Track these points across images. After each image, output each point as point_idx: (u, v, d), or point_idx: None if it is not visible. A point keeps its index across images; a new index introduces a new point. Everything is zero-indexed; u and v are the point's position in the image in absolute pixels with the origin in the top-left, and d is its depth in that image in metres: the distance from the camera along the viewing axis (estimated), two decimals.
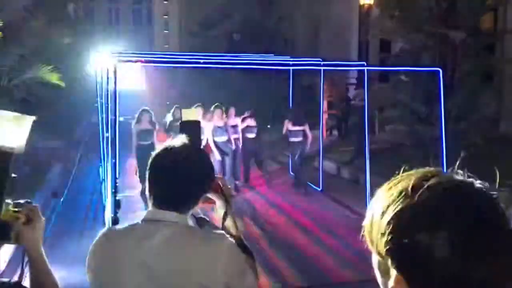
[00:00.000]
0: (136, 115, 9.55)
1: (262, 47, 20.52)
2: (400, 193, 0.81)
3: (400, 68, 9.53)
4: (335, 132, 15.82)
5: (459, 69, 9.87)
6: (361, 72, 10.83)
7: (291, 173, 11.67)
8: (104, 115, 7.75)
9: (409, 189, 0.80)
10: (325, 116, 16.00)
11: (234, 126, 10.20)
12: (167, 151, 1.71)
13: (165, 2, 75.30)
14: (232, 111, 10.28)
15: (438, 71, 6.32)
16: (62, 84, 8.19)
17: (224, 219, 1.82)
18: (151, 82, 50.38)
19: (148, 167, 1.72)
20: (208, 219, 1.84)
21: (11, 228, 1.48)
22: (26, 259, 1.52)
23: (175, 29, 63.75)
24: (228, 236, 1.68)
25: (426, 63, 9.54)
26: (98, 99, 9.13)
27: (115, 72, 5.47)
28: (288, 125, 10.05)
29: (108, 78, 5.69)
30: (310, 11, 25.50)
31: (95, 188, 10.08)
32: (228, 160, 9.83)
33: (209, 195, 1.79)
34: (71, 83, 18.63)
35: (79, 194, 9.49)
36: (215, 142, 9.65)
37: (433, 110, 9.16)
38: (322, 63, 9.38)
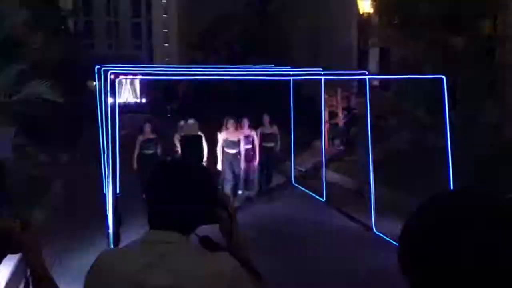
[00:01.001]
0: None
1: (262, 58, 20.53)
2: None
3: (403, 76, 9.46)
4: (336, 142, 15.69)
5: (462, 77, 9.79)
6: (361, 81, 10.80)
7: (293, 183, 11.59)
8: (104, 129, 7.68)
9: None
10: (327, 125, 15.97)
11: (247, 137, 10.04)
12: (165, 168, 1.62)
13: (164, 16, 75.72)
14: (245, 122, 10.11)
15: (442, 78, 6.24)
16: (61, 100, 8.15)
17: (230, 238, 1.73)
18: (151, 95, 50.45)
19: (146, 185, 1.63)
20: (212, 238, 1.73)
21: (11, 237, 1.42)
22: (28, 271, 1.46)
23: (175, 42, 63.98)
24: (231, 257, 1.58)
25: (428, 71, 9.46)
26: (98, 113, 9.09)
27: (111, 85, 5.40)
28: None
29: (103, 91, 5.62)
30: (310, 21, 25.55)
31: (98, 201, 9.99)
32: (240, 172, 9.76)
33: (215, 213, 1.70)
34: (73, 97, 18.68)
35: (81, 209, 9.39)
36: (223, 153, 9.57)
37: (437, 119, 9.07)
38: (322, 72, 9.33)
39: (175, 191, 1.56)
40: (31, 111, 8.54)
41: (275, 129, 10.71)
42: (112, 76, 5.86)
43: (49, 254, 6.88)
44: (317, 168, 12.24)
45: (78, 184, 11.56)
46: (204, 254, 1.56)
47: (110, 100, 5.60)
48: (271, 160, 10.82)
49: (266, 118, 10.61)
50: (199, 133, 8.64)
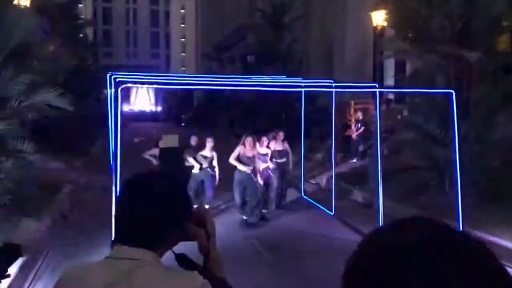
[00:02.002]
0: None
1: (276, 69, 20.53)
2: None
3: (412, 90, 9.34)
4: (350, 155, 15.53)
5: (475, 90, 9.64)
6: (374, 94, 10.69)
7: (304, 196, 11.50)
8: (113, 137, 7.71)
9: None
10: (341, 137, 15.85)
11: (265, 155, 9.77)
12: (135, 181, 1.55)
13: (182, 25, 76.39)
14: (264, 140, 9.82)
15: (451, 93, 6.12)
16: (70, 108, 8.20)
17: (206, 257, 1.66)
18: (166, 104, 50.74)
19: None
20: (188, 256, 1.67)
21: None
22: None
23: (192, 52, 64.45)
24: (201, 276, 1.50)
25: (441, 84, 9.33)
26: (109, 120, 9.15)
27: (117, 93, 5.41)
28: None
29: (111, 99, 5.64)
30: (324, 33, 25.54)
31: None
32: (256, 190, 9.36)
33: (191, 230, 1.64)
34: (88, 105, 18.89)
35: (89, 216, 9.40)
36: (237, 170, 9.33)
37: (448, 132, 8.93)
38: (334, 84, 9.26)
39: (140, 206, 1.50)
40: (40, 118, 8.60)
41: (286, 146, 10.39)
42: (118, 84, 5.89)
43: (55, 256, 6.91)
44: (328, 180, 12.16)
45: (87, 190, 11.62)
46: (172, 273, 1.48)
47: (115, 106, 5.63)
48: (284, 177, 10.56)
49: (280, 135, 10.28)
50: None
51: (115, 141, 5.27)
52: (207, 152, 9.75)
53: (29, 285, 6.14)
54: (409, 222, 0.69)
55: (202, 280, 1.46)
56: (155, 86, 9.82)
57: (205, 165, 9.61)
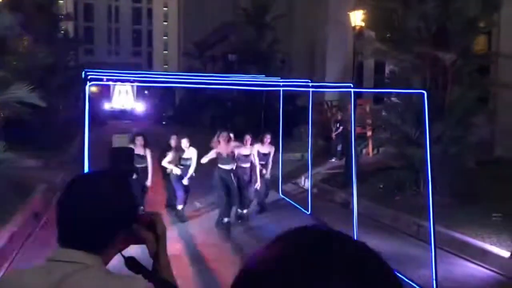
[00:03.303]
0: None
1: (257, 68, 20.52)
2: None
3: (385, 90, 9.42)
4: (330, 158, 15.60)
5: (451, 91, 9.73)
6: (356, 94, 10.73)
7: (281, 195, 11.50)
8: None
9: None
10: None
11: (247, 156, 9.53)
12: (78, 180, 1.51)
13: (164, 23, 75.99)
14: (248, 138, 9.53)
15: (423, 93, 6.16)
16: (43, 104, 8.05)
17: (155, 261, 1.62)
18: (147, 102, 50.46)
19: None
20: (138, 260, 1.62)
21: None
22: None
23: (174, 50, 64.15)
24: (145, 280, 1.46)
25: (417, 85, 9.40)
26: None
27: (86, 90, 5.34)
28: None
29: (84, 96, 5.55)
30: (306, 33, 25.61)
31: None
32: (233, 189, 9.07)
33: (139, 233, 1.60)
34: (65, 102, 18.64)
35: None
36: (217, 169, 9.00)
37: (423, 132, 8.99)
38: (310, 84, 9.28)
39: (83, 206, 1.45)
40: (12, 115, 8.45)
41: (272, 149, 10.02)
42: (91, 82, 5.81)
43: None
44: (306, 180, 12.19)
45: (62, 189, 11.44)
46: (113, 277, 1.44)
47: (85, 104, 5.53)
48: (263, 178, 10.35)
49: (267, 137, 9.89)
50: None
51: (83, 140, 5.20)
52: (187, 154, 9.40)
53: None
54: (291, 234, 0.67)
55: (146, 284, 1.42)
56: (127, 84, 9.65)
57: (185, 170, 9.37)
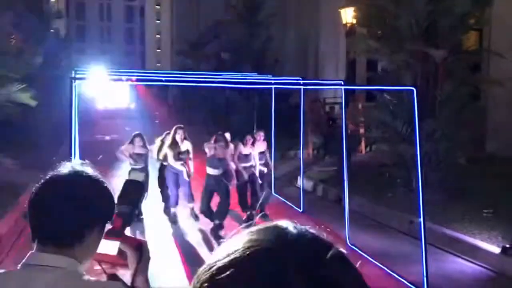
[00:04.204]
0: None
1: (250, 66, 20.47)
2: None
3: (375, 87, 9.42)
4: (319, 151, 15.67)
5: (442, 88, 9.75)
6: (348, 91, 10.73)
7: (274, 193, 11.48)
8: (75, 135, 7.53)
9: None
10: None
11: (247, 155, 9.12)
12: (52, 179, 1.47)
13: (157, 21, 75.69)
14: (248, 138, 9.17)
15: (412, 90, 6.17)
16: (33, 103, 7.97)
17: (134, 276, 1.61)
18: (141, 101, 50.26)
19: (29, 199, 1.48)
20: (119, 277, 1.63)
21: None
22: None
23: (167, 49, 63.92)
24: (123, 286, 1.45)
25: (408, 82, 9.42)
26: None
27: (73, 89, 5.29)
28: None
29: (71, 96, 5.50)
30: (299, 31, 25.59)
31: None
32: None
33: (122, 248, 1.61)
34: (57, 102, 18.51)
35: None
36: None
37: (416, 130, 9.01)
38: (302, 81, 9.29)
39: (59, 205, 1.42)
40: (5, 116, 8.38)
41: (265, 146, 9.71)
42: (78, 80, 5.77)
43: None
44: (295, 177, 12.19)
45: None
46: (88, 283, 1.40)
47: (72, 103, 5.50)
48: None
49: (261, 135, 9.49)
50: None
51: (71, 140, 5.16)
52: (183, 147, 9.01)
53: None
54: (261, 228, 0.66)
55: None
56: (115, 81, 9.54)
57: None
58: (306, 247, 0.62)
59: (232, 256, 0.60)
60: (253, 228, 0.65)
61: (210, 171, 8.45)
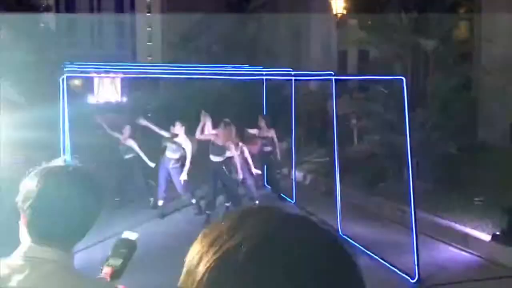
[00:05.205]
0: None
1: (241, 58, 20.39)
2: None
3: (365, 77, 9.43)
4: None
5: (432, 78, 9.77)
6: (341, 82, 10.74)
7: (266, 184, 11.48)
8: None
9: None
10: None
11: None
12: (47, 174, 1.47)
13: (148, 14, 75.21)
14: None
15: (402, 79, 6.18)
16: (22, 99, 7.92)
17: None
18: (132, 94, 50.05)
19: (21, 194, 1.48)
20: None
21: None
22: None
23: (158, 42, 63.56)
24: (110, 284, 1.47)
25: (399, 72, 9.42)
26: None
27: (63, 84, 5.25)
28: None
29: (62, 91, 5.45)
30: (290, 21, 25.51)
31: None
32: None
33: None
34: (48, 98, 18.33)
35: None
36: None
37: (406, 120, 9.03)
38: (293, 73, 9.28)
39: (54, 199, 1.43)
40: None
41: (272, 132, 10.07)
42: (67, 74, 5.71)
43: None
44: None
45: None
46: (81, 278, 1.42)
47: (64, 98, 5.45)
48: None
49: (262, 120, 9.92)
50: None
51: (63, 135, 5.13)
52: (180, 139, 8.76)
53: None
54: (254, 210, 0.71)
55: (113, 287, 1.44)
56: (104, 75, 9.51)
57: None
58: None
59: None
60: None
61: (213, 158, 8.54)
